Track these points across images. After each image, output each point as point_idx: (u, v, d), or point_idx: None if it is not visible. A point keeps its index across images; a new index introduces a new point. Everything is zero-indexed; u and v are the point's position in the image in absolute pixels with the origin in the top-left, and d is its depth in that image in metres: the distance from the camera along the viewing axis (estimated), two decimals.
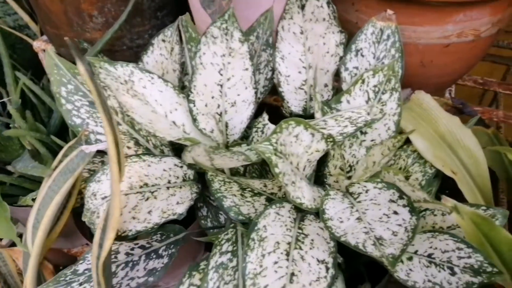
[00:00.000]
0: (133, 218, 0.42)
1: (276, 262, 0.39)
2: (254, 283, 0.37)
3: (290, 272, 0.39)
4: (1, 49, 0.61)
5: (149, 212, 0.43)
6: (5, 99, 0.64)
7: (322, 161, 0.55)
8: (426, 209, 0.51)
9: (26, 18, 0.80)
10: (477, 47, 0.59)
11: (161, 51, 0.60)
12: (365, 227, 0.40)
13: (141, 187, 0.44)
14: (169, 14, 0.74)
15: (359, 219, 0.42)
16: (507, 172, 0.57)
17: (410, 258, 0.47)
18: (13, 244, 0.76)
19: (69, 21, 0.68)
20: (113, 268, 0.53)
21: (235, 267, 0.44)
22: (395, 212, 0.41)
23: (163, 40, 0.59)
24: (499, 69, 0.97)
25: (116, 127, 0.33)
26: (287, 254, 0.41)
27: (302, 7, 0.48)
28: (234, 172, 0.51)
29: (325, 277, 0.39)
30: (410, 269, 0.46)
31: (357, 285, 0.51)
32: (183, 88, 0.58)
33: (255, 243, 0.39)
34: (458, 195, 0.53)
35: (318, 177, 0.55)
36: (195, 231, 0.60)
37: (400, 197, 0.42)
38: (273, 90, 0.60)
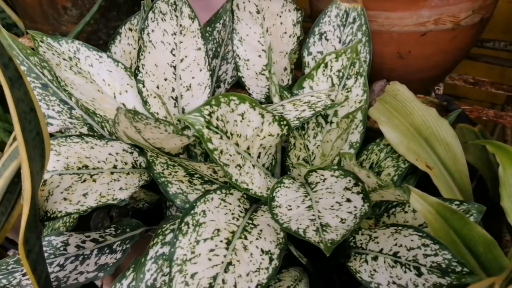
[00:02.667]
0: (65, 199, 0.39)
1: (212, 250, 0.35)
2: (181, 269, 0.33)
3: (227, 261, 0.35)
4: None
5: (85, 194, 0.40)
6: None
7: (287, 155, 0.51)
8: (396, 205, 0.47)
9: (14, 17, 0.81)
10: (458, 37, 0.55)
11: (128, 41, 0.59)
12: (313, 215, 0.36)
13: (79, 168, 0.41)
14: None
15: (310, 207, 0.38)
16: (492, 170, 0.52)
17: (375, 258, 0.42)
18: None
19: (45, 14, 0.68)
20: (62, 260, 0.50)
21: None
22: (348, 200, 0.37)
23: (130, 29, 0.58)
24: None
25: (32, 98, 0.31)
26: (228, 243, 0.37)
27: None
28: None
29: (267, 268, 0.35)
30: (375, 270, 0.41)
31: None
32: None
33: (189, 227, 0.36)
34: (436, 194, 0.48)
35: (284, 169, 0.52)
36: (156, 227, 0.57)
37: (356, 184, 0.38)
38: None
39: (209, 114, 0.34)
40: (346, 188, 0.38)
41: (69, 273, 0.50)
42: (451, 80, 0.70)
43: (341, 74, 0.47)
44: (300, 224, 0.35)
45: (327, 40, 0.49)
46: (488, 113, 0.62)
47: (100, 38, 0.71)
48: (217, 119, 0.36)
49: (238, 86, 0.60)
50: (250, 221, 0.41)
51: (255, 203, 0.45)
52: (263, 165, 0.46)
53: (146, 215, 0.62)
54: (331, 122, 0.49)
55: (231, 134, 0.38)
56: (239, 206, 0.42)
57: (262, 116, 0.40)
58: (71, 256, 0.51)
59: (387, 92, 0.53)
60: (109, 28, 0.71)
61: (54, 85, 0.52)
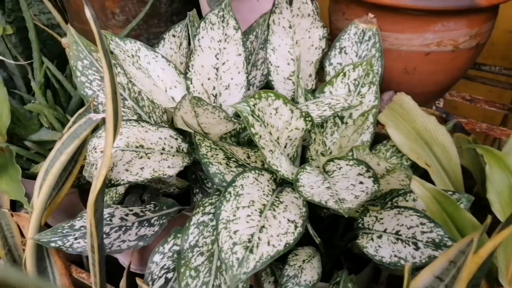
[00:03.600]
0: (126, 170, 0.47)
1: (249, 215, 0.43)
2: (226, 227, 0.41)
3: (261, 225, 0.43)
4: (33, 36, 0.70)
5: (142, 168, 0.48)
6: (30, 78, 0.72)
7: (308, 148, 0.60)
8: (399, 195, 0.55)
9: (58, 17, 0.90)
10: (457, 58, 0.65)
11: (171, 45, 0.68)
12: (331, 192, 0.44)
13: (137, 147, 0.50)
14: (184, 19, 0.83)
15: (328, 187, 0.46)
16: (482, 172, 0.60)
17: (380, 237, 0.50)
18: None
19: None
20: (107, 229, 0.58)
21: (215, 226, 0.48)
22: (361, 182, 0.45)
23: (173, 35, 0.67)
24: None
25: (116, 83, 0.40)
26: (261, 212, 0.45)
27: (290, 2, 0.55)
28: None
29: (293, 233, 0.43)
30: (379, 246, 0.49)
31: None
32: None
33: (231, 196, 0.44)
34: None
35: (303, 162, 0.60)
36: (189, 207, 0.65)
37: (367, 171, 0.46)
38: (268, 87, 0.66)
39: (254, 105, 0.43)
40: (359, 174, 0.46)
41: (113, 241, 0.57)
42: (450, 96, 0.79)
43: (357, 82, 0.56)
44: (322, 197, 0.43)
45: (346, 53, 0.58)
46: (481, 126, 0.71)
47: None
48: (258, 110, 0.44)
49: (268, 84, 0.68)
50: (277, 199, 0.49)
51: (280, 186, 0.53)
52: (288, 155, 0.54)
53: (176, 200, 0.70)
54: (346, 123, 0.57)
55: (267, 124, 0.47)
56: (268, 186, 0.50)
57: (292, 112, 0.49)
58: (116, 226, 0.58)
59: (395, 102, 0.62)
60: (149, 33, 0.80)
61: None
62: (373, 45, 0.57)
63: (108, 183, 0.47)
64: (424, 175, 0.58)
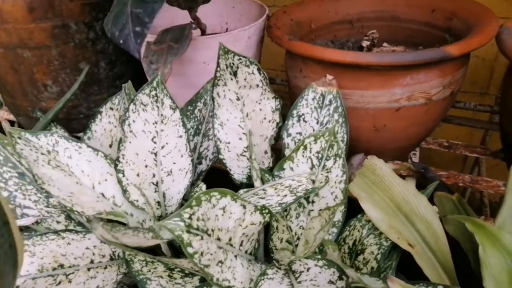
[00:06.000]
0: None
1: None
2: None
3: None
4: None
5: None
6: None
7: (270, 238, 0.51)
8: None
9: None
10: (431, 110, 0.58)
11: (109, 119, 0.59)
12: None
13: (54, 269, 0.40)
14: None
15: None
16: (472, 243, 0.53)
17: None
18: None
19: (24, 91, 0.68)
20: None
21: None
22: None
23: (111, 108, 0.58)
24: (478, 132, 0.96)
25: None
26: None
27: (234, 73, 0.48)
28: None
29: None
30: None
31: None
32: None
33: None
34: (419, 272, 0.48)
35: (268, 251, 0.51)
36: None
37: (340, 278, 0.38)
38: None
39: (190, 217, 0.34)
40: (331, 282, 0.38)
41: None
42: (426, 144, 0.72)
43: (320, 155, 0.48)
44: None
45: (305, 121, 0.50)
46: (465, 179, 0.64)
47: (80, 112, 0.71)
48: (198, 219, 0.35)
49: (220, 162, 0.60)
50: None
51: None
52: (246, 251, 0.45)
53: None
54: (313, 202, 0.49)
55: (212, 231, 0.38)
56: None
57: (244, 207, 0.40)
58: None
59: (366, 167, 0.54)
60: (89, 102, 0.71)
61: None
62: (335, 110, 0.50)
63: None
64: (406, 252, 0.50)
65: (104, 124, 0.61)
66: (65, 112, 0.70)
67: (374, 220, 0.49)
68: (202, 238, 0.36)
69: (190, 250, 0.34)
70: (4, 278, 0.33)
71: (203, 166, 0.57)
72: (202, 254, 0.35)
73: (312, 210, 0.49)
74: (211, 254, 0.37)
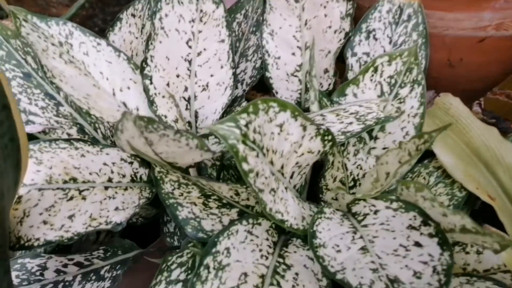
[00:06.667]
0: (45, 222, 0.30)
1: None
2: None
3: None
4: None
5: (71, 216, 0.31)
6: None
7: (317, 172, 0.43)
8: (455, 244, 0.38)
9: None
10: None
11: (130, 28, 0.50)
12: (373, 262, 0.28)
13: (65, 182, 0.32)
14: None
15: (364, 249, 0.29)
16: None
17: None
18: None
19: None
20: None
21: None
22: (417, 244, 0.28)
23: (133, 15, 0.48)
24: None
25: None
26: None
27: None
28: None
29: None
30: None
31: None
32: None
33: (210, 272, 0.27)
34: (499, 229, 0.40)
35: (312, 193, 0.43)
36: (152, 250, 0.47)
37: (424, 223, 0.30)
38: (262, 84, 0.48)
39: (246, 125, 0.26)
40: (411, 227, 0.30)
41: None
42: (491, 93, 0.63)
43: (393, 81, 0.39)
44: (362, 277, 0.26)
45: (376, 39, 0.40)
46: None
47: (96, 25, 0.62)
48: (254, 131, 0.27)
49: (257, 88, 0.51)
50: (281, 260, 0.32)
51: (284, 234, 0.36)
52: (294, 186, 0.37)
53: (140, 231, 0.53)
54: (376, 138, 0.41)
55: (267, 150, 0.29)
56: (267, 239, 0.33)
57: (304, 129, 0.31)
58: (49, 283, 0.41)
59: (437, 106, 0.46)
60: (106, 14, 0.61)
61: (39, 75, 0.43)
62: (414, 28, 0.40)
63: (14, 244, 0.30)
64: (483, 209, 0.42)
65: (123, 33, 0.51)
66: (78, 22, 0.60)
67: (447, 165, 0.41)
68: (257, 156, 0.27)
69: (245, 166, 0.26)
70: (4, 179, 0.25)
71: (239, 91, 0.48)
72: (257, 174, 0.27)
73: (374, 148, 0.41)
74: (266, 178, 0.29)
